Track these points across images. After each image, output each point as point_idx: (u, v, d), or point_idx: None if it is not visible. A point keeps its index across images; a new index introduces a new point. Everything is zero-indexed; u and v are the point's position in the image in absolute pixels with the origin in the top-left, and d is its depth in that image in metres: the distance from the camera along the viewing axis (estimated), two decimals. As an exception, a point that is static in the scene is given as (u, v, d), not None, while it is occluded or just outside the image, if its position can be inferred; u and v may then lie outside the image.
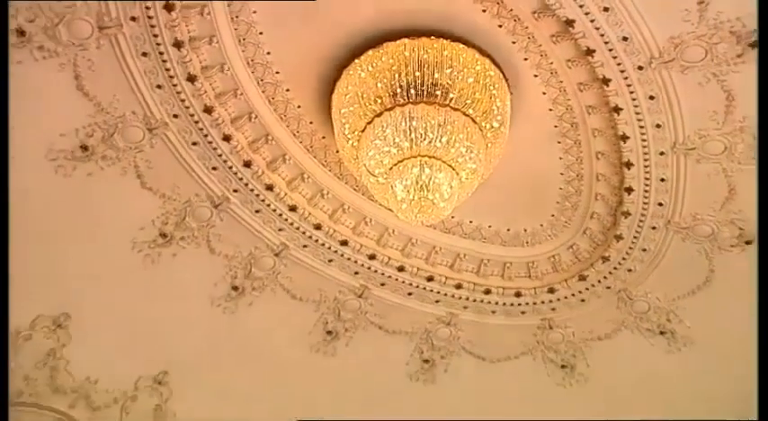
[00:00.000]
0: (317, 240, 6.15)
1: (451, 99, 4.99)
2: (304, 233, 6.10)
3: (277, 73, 5.33)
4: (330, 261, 6.28)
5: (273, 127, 5.62)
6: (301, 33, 5.10)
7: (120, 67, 4.98)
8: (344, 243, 6.21)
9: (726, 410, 6.27)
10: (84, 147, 5.34)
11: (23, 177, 5.28)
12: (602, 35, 4.53)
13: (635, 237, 5.74)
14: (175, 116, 5.31)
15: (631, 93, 4.83)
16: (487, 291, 6.46)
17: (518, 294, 6.44)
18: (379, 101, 5.05)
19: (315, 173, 5.94)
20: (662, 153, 5.13)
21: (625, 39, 4.51)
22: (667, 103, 4.83)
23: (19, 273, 5.48)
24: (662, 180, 5.29)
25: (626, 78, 4.74)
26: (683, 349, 6.31)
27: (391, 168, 5.01)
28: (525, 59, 5.04)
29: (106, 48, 4.87)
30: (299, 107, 5.55)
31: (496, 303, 6.49)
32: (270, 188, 5.83)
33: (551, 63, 5.00)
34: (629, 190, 5.42)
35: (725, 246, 5.60)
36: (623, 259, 5.94)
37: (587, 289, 6.26)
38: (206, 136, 5.44)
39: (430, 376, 6.83)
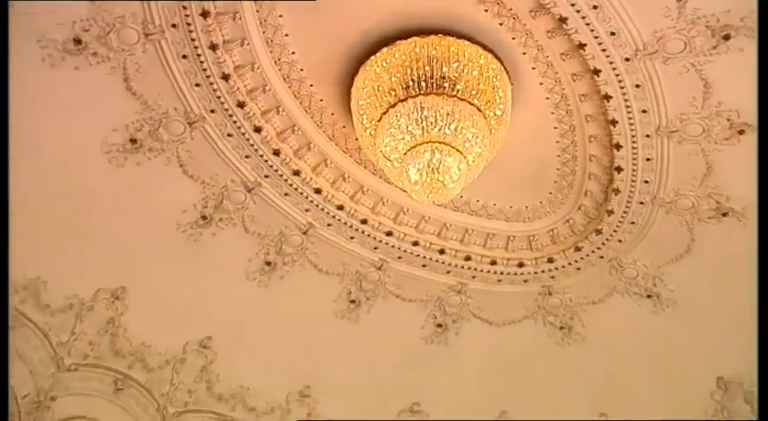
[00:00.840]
0: (339, 219, 6.34)
1: (458, 90, 5.14)
2: (328, 213, 6.29)
3: (301, 70, 5.52)
4: (352, 238, 6.48)
5: (299, 118, 5.81)
6: (322, 34, 5.28)
7: (163, 68, 5.23)
8: (364, 221, 6.40)
9: (704, 363, 6.44)
10: (134, 141, 5.63)
11: (82, 168, 5.62)
12: (593, 30, 4.68)
13: (624, 212, 5.85)
14: (212, 111, 5.54)
15: (619, 82, 4.95)
16: (493, 262, 6.62)
17: (520, 264, 6.60)
18: (393, 93, 5.20)
19: (337, 159, 6.12)
20: (647, 135, 5.25)
21: (613, 33, 4.66)
22: (652, 91, 4.96)
23: (81, 252, 5.91)
24: (648, 160, 5.41)
25: (614, 69, 4.87)
26: (668, 310, 6.46)
27: (405, 153, 5.18)
28: (524, 53, 5.18)
29: (151, 52, 5.13)
30: (321, 100, 5.74)
31: (501, 273, 6.65)
32: (297, 173, 6.03)
33: (547, 56, 5.14)
34: (619, 169, 5.54)
35: (704, 218, 5.73)
36: (614, 231, 6.06)
37: (582, 258, 6.39)
38: (239, 128, 5.67)
39: (443, 339, 7.03)
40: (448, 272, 6.70)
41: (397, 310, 6.88)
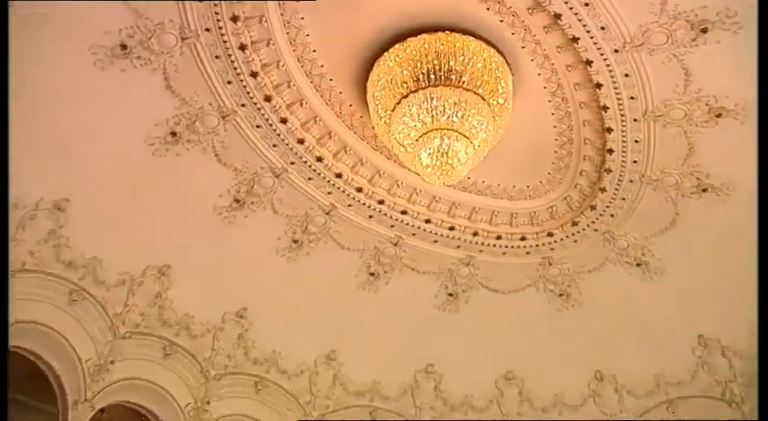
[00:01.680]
0: (358, 200, 6.59)
1: (464, 81, 5.32)
2: (348, 195, 6.54)
3: (322, 66, 5.74)
4: (370, 217, 6.74)
5: (320, 110, 6.04)
6: (340, 34, 5.50)
7: (199, 68, 5.49)
8: (381, 202, 6.65)
9: (686, 323, 6.68)
10: (174, 133, 5.89)
11: (129, 160, 5.91)
12: (585, 25, 4.87)
13: (616, 189, 6.04)
14: (243, 105, 5.78)
15: (610, 71, 5.14)
16: (498, 237, 6.85)
17: (523, 238, 6.81)
18: (406, 85, 5.40)
19: (355, 146, 6.34)
20: (635, 120, 5.43)
21: (603, 28, 4.86)
22: (639, 79, 5.14)
23: (130, 234, 6.22)
24: (636, 142, 5.59)
25: (605, 60, 5.06)
26: (655, 277, 6.66)
27: (417, 140, 5.39)
28: (523, 47, 5.38)
29: (187, 54, 5.39)
30: (340, 93, 5.96)
31: (506, 246, 6.88)
32: (319, 159, 6.27)
33: (544, 49, 5.34)
34: (611, 151, 5.72)
35: (686, 193, 5.92)
36: (607, 207, 6.25)
37: (579, 232, 6.60)
38: (267, 120, 5.91)
39: (454, 306, 7.30)
40: (457, 246, 6.95)
41: (412, 282, 7.14)
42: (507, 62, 5.47)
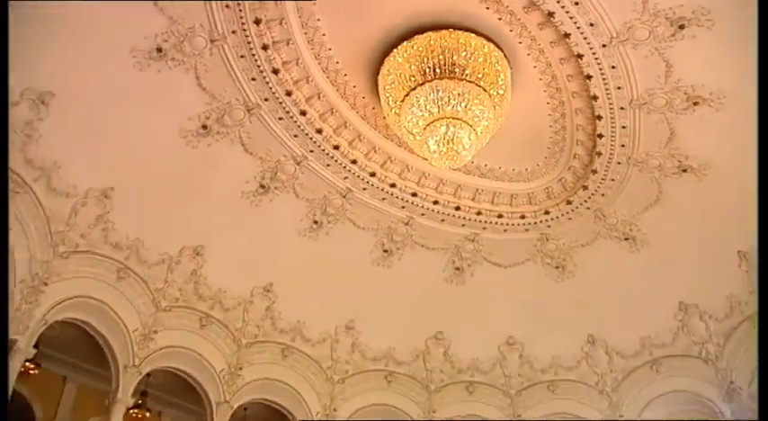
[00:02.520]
0: (372, 184, 6.89)
1: (467, 74, 5.55)
2: (363, 179, 6.84)
3: (337, 63, 6.01)
4: (383, 199, 7.04)
5: (337, 102, 6.30)
6: (353, 33, 5.76)
7: (226, 67, 5.77)
8: (393, 185, 6.94)
9: (668, 290, 6.96)
10: (204, 127, 6.21)
11: (166, 151, 6.24)
12: (575, 22, 5.11)
13: (606, 171, 6.30)
14: (266, 99, 6.07)
15: (598, 64, 5.37)
16: (500, 216, 7.13)
17: (522, 216, 7.11)
18: (413, 78, 5.64)
19: (368, 134, 6.61)
20: (622, 108, 5.68)
21: (592, 24, 5.11)
22: (624, 71, 5.38)
23: (169, 218, 6.59)
24: (623, 127, 5.84)
25: (594, 53, 5.31)
26: (641, 250, 6.95)
27: (425, 128, 5.64)
28: (520, 43, 5.61)
29: (216, 54, 5.68)
30: (354, 87, 6.22)
31: (507, 224, 7.17)
32: (336, 147, 6.56)
33: (539, 44, 5.56)
34: (600, 136, 5.97)
35: (668, 174, 6.18)
36: (598, 187, 6.51)
37: (573, 210, 6.87)
38: (288, 112, 6.19)
39: (460, 279, 7.61)
40: (463, 225, 7.24)
41: (422, 257, 7.45)
42: (506, 56, 5.67)
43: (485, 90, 5.58)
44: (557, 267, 7.38)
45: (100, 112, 5.79)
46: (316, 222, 7.10)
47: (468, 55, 5.54)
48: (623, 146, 5.99)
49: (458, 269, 7.54)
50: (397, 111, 5.81)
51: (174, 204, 6.51)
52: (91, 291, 6.32)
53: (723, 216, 6.13)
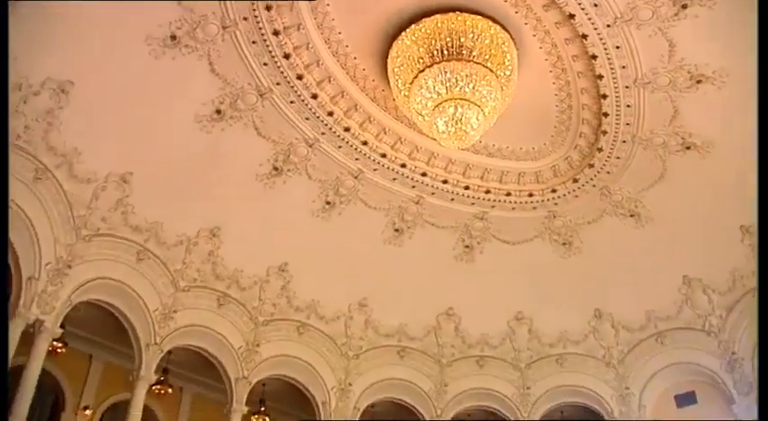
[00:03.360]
0: (383, 165, 7.06)
1: (474, 56, 5.67)
2: (374, 160, 7.01)
3: (347, 46, 6.15)
4: (394, 179, 7.21)
5: (347, 86, 6.45)
6: (362, 17, 5.88)
7: (238, 53, 5.92)
8: (403, 165, 7.11)
9: (673, 265, 7.15)
10: (218, 111, 6.37)
11: (182, 137, 6.44)
12: (579, 3, 5.20)
13: (611, 149, 6.46)
14: (278, 84, 6.22)
15: (603, 44, 5.49)
16: (508, 194, 7.31)
17: (530, 195, 7.28)
18: (422, 60, 5.76)
19: (378, 116, 6.76)
20: (627, 87, 5.81)
21: (596, 5, 5.20)
22: (629, 51, 5.50)
23: (186, 201, 6.79)
24: (628, 106, 5.97)
25: (599, 34, 5.42)
26: (646, 226, 7.13)
27: (434, 109, 5.77)
28: (526, 24, 5.72)
29: (228, 41, 5.82)
30: (364, 70, 6.36)
31: (515, 202, 7.35)
32: (347, 129, 6.72)
33: (545, 26, 5.68)
34: (606, 114, 6.11)
35: (672, 151, 6.34)
36: (603, 165, 6.68)
37: (579, 188, 7.04)
38: (299, 96, 6.34)
39: (470, 257, 7.82)
40: (472, 203, 7.42)
41: (432, 236, 7.65)
42: (512, 38, 5.79)
43: (492, 71, 5.69)
44: (564, 244, 7.57)
45: (117, 100, 5.98)
46: (328, 203, 7.29)
47: (475, 37, 5.65)
48: (628, 124, 6.14)
49: (467, 247, 7.74)
50: (406, 93, 5.94)
51: (190, 187, 6.71)
52: (112, 272, 6.59)
53: (726, 192, 6.29)
